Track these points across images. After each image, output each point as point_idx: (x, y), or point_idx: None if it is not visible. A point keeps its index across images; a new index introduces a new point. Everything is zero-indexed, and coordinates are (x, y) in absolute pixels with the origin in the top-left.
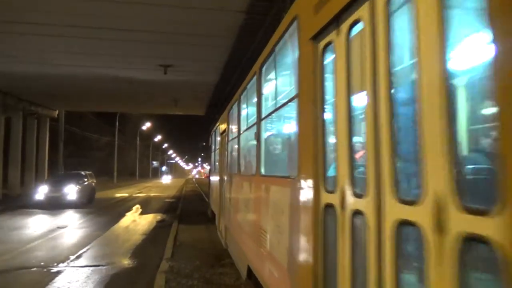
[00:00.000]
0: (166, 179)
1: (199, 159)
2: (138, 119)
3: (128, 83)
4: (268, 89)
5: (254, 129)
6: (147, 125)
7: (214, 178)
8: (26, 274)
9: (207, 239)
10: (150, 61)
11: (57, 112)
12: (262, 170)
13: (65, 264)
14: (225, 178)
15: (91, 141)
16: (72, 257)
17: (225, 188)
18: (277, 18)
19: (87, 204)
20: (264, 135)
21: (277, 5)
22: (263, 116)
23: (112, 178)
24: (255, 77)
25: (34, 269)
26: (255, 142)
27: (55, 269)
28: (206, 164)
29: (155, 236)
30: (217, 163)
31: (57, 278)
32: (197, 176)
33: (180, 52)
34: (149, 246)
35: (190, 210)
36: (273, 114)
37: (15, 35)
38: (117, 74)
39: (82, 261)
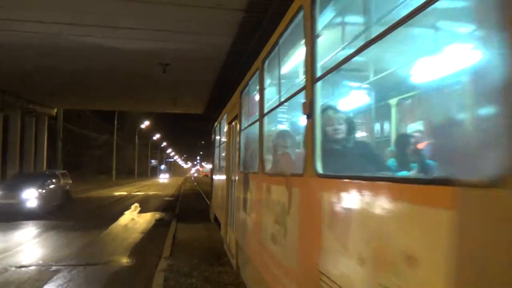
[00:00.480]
0: (163, 177)
1: (198, 158)
2: (136, 117)
3: (127, 81)
4: (332, 28)
5: (298, 99)
6: (145, 124)
7: (219, 178)
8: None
9: (206, 238)
10: (149, 59)
11: (55, 110)
12: (319, 168)
13: (64, 262)
14: (236, 179)
15: (90, 139)
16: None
17: (234, 191)
18: (276, 15)
19: (57, 212)
20: (320, 105)
21: (276, 3)
22: (319, 74)
23: (110, 176)
24: (299, 16)
25: (33, 267)
26: (295, 124)
27: (54, 268)
28: (205, 162)
29: (153, 234)
30: (222, 161)
31: (55, 277)
32: (195, 174)
33: (179, 50)
34: (148, 244)
35: (189, 208)
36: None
37: (14, 33)
38: (115, 72)
39: (79, 259)
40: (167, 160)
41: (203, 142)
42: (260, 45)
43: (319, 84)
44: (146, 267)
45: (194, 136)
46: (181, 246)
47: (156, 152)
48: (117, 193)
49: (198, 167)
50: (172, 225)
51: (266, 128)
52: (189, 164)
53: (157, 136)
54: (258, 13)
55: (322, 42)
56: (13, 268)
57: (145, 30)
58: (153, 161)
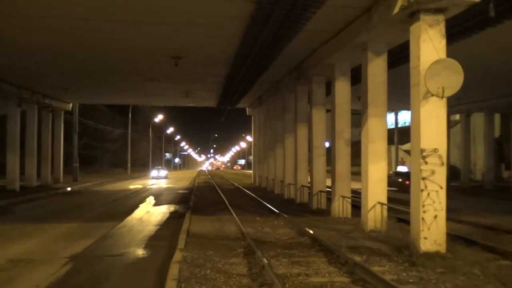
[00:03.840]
0: (157, 177)
1: (211, 151)
2: (150, 110)
3: (140, 75)
4: None
5: None
6: (159, 117)
7: None
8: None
9: (219, 230)
10: (161, 53)
11: (71, 105)
12: None
13: (80, 253)
14: None
15: (104, 133)
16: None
17: None
18: (287, 6)
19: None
20: None
21: None
22: None
23: (125, 169)
24: None
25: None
26: None
27: (69, 259)
28: (218, 155)
29: (168, 227)
30: None
31: (70, 269)
32: (209, 168)
33: (191, 43)
34: (163, 236)
35: (202, 201)
36: None
37: (30, 29)
38: (128, 67)
39: (96, 250)
40: (180, 153)
41: (216, 135)
42: (270, 38)
43: None
44: (161, 259)
45: (207, 129)
46: (195, 238)
47: (170, 146)
48: (132, 186)
49: (211, 160)
50: (187, 217)
51: None
52: (203, 157)
53: (171, 130)
54: (269, 4)
55: None
56: (21, 264)
57: (157, 23)
58: (167, 154)
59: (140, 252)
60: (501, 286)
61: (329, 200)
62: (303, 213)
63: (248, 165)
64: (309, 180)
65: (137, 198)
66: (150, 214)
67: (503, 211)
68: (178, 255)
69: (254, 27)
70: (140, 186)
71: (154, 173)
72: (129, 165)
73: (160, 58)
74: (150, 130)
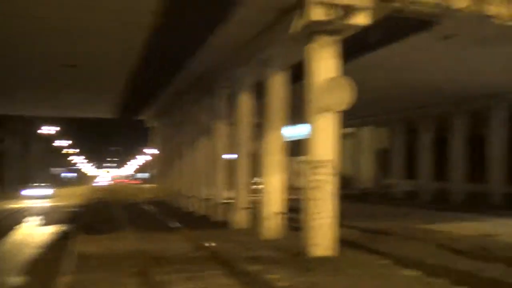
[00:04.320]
0: (34, 193)
1: (112, 164)
2: (40, 120)
3: (28, 84)
4: None
5: None
6: (50, 129)
7: None
8: None
9: (113, 249)
10: (53, 60)
11: None
12: None
13: None
14: None
15: None
16: None
17: None
18: (187, 16)
19: None
20: None
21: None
22: None
23: (5, 187)
24: None
25: None
26: None
27: None
28: (120, 168)
29: (53, 249)
30: None
31: None
32: (109, 182)
33: (87, 52)
34: (47, 260)
35: (97, 219)
36: None
37: None
38: (12, 73)
39: None
40: (75, 167)
41: (116, 149)
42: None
43: None
44: (42, 286)
45: (108, 142)
46: (85, 259)
47: (63, 159)
48: (13, 206)
49: (112, 174)
50: (76, 237)
51: None
52: (102, 170)
53: (65, 143)
54: (170, 16)
55: None
56: None
57: (49, 29)
58: (59, 168)
59: (17, 279)
60: (383, 282)
61: (230, 211)
62: (203, 226)
63: (151, 179)
64: (210, 192)
65: (18, 219)
66: (32, 235)
67: (385, 216)
68: (63, 280)
69: (156, 38)
70: (22, 205)
71: (30, 192)
72: (8, 182)
73: (51, 65)
74: (36, 143)
